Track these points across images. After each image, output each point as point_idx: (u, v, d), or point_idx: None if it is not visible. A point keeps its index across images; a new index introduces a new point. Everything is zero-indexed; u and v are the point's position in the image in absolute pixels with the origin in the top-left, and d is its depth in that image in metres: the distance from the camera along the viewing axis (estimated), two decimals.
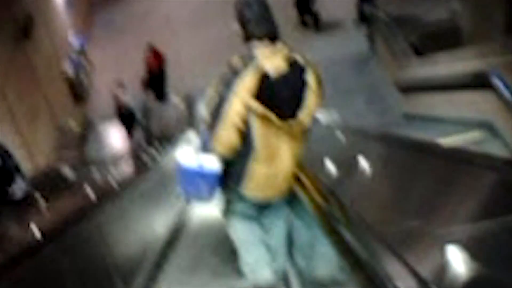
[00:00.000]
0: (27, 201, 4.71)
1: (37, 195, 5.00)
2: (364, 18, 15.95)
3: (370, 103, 13.36)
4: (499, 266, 1.28)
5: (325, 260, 3.18)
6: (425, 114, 10.06)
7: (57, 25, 17.10)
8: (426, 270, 1.41)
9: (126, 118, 14.22)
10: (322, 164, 3.77)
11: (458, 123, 8.16)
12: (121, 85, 14.32)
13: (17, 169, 4.87)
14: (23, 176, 4.91)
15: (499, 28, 10.10)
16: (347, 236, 2.00)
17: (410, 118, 10.99)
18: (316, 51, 15.48)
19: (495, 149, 6.83)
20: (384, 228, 1.88)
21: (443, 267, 1.40)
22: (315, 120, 3.50)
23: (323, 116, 7.09)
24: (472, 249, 1.42)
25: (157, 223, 6.04)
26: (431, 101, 9.86)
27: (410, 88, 11.17)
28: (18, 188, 4.72)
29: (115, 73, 16.25)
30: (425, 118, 9.91)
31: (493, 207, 1.61)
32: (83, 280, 3.41)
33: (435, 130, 8.62)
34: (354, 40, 15.96)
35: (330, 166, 3.50)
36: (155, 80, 15.58)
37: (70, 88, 16.29)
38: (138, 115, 14.57)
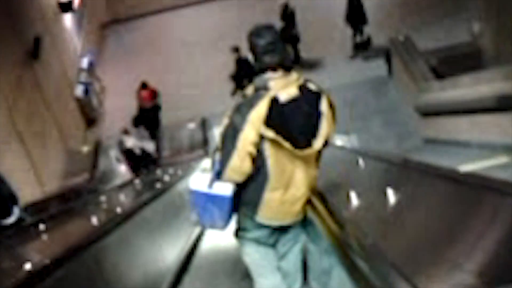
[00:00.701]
0: (19, 228, 4.55)
1: (31, 221, 4.80)
2: (359, 46, 16.39)
3: (389, 127, 13.21)
4: None
5: (340, 287, 3.21)
6: (447, 138, 9.89)
7: (66, 46, 17.11)
8: None
9: (136, 159, 14.14)
10: (339, 190, 3.71)
11: (483, 147, 7.97)
12: (126, 132, 14.08)
13: (11, 197, 4.74)
14: (16, 202, 4.80)
15: None
16: (362, 263, 1.96)
17: (431, 142, 10.82)
18: (334, 76, 15.56)
19: None
20: (401, 258, 1.81)
21: None
22: (334, 146, 3.37)
23: (343, 142, 6.99)
24: (493, 283, 1.38)
25: (168, 251, 5.89)
26: (454, 125, 9.69)
27: (430, 112, 11.02)
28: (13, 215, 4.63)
29: (127, 95, 16.20)
30: (447, 142, 9.73)
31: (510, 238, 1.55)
32: None
33: (458, 155, 8.44)
34: (372, 64, 15.84)
35: (348, 193, 3.40)
36: (149, 117, 15.13)
37: (81, 110, 16.27)
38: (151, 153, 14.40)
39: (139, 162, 13.70)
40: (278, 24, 15.26)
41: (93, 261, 3.57)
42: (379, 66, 15.25)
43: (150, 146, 14.22)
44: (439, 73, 12.08)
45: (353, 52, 16.65)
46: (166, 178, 8.50)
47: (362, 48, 16.57)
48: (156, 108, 15.25)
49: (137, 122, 14.93)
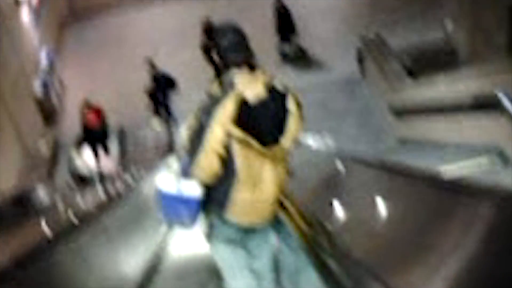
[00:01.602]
0: None
1: None
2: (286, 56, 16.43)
3: (362, 128, 13.09)
4: None
5: (311, 286, 3.19)
6: (423, 138, 9.74)
7: (24, 42, 16.62)
8: None
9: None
10: (312, 191, 3.75)
11: (461, 148, 7.82)
12: (78, 147, 13.64)
13: None
14: None
15: (501, 49, 9.87)
16: (332, 263, 2.00)
17: (405, 142, 10.68)
18: (303, 75, 15.39)
19: (506, 176, 6.46)
20: (372, 259, 1.88)
21: None
22: (308, 146, 3.72)
23: (315, 141, 6.78)
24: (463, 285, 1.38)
25: (135, 252, 5.63)
26: (430, 125, 9.54)
27: (405, 112, 10.87)
28: None
29: (88, 92, 15.79)
30: (423, 143, 9.58)
31: (488, 245, 1.56)
32: None
33: (435, 157, 8.28)
34: (342, 63, 15.70)
35: (321, 194, 3.51)
36: (96, 137, 14.18)
37: (39, 108, 15.77)
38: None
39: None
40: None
41: (43, 272, 3.25)
42: (352, 65, 15.07)
43: (107, 164, 13.63)
44: (413, 72, 11.97)
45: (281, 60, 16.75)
46: (129, 180, 8.14)
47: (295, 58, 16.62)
48: (104, 127, 14.36)
49: (87, 142, 14.10)
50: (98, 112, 14.19)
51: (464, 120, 8.04)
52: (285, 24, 16.35)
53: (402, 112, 11.09)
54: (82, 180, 12.80)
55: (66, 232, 3.82)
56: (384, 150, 10.81)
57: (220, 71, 3.53)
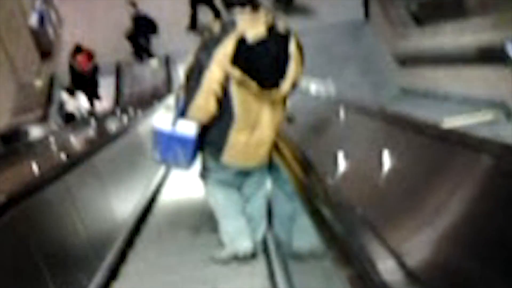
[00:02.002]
0: None
1: None
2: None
3: (364, 75, 12.85)
4: (482, 256, 1.25)
5: (304, 232, 3.10)
6: (427, 89, 9.57)
7: None
8: (405, 252, 1.40)
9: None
10: (311, 138, 3.61)
11: (466, 101, 7.67)
12: (70, 91, 13.28)
13: None
14: None
15: None
16: (326, 211, 1.93)
17: (408, 93, 10.51)
18: (306, 17, 14.96)
19: (509, 130, 6.33)
20: (366, 208, 1.82)
21: (424, 252, 1.41)
22: (310, 91, 3.92)
23: (318, 87, 6.63)
24: (458, 238, 1.40)
25: (128, 194, 5.56)
26: (434, 75, 9.36)
27: (409, 61, 10.64)
28: None
29: (86, 28, 15.51)
30: (426, 94, 9.42)
31: (486, 198, 1.55)
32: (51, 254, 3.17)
33: (438, 108, 8.14)
34: (347, 5, 15.26)
35: (320, 142, 3.40)
36: (87, 81, 13.75)
37: (35, 41, 15.43)
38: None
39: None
40: None
41: (32, 213, 3.15)
42: (356, 8, 14.66)
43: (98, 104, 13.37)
44: (420, 19, 11.63)
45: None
46: (125, 119, 8.05)
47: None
48: (94, 70, 13.94)
49: (75, 87, 13.68)
50: (88, 54, 13.84)
51: (469, 72, 7.86)
52: None
53: (406, 61, 10.86)
54: (72, 120, 12.51)
55: (57, 172, 3.70)
56: (386, 100, 10.62)
57: (219, 12, 3.54)
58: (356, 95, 10.82)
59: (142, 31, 14.67)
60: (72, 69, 13.74)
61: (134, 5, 14.57)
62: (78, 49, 13.82)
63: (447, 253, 1.37)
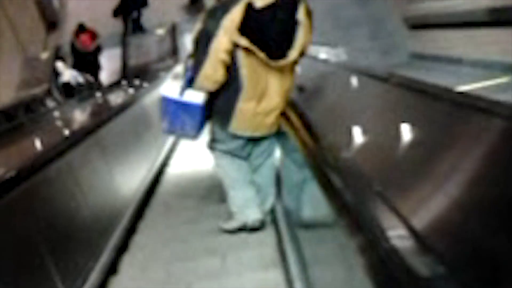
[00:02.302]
0: None
1: None
2: None
3: (373, 39, 12.62)
4: (495, 221, 1.23)
5: (313, 201, 3.09)
6: (438, 54, 9.38)
7: None
8: (416, 219, 1.38)
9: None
10: (320, 106, 3.54)
11: (478, 65, 7.49)
12: (62, 59, 12.93)
13: None
14: None
15: None
16: (335, 178, 1.90)
17: (419, 58, 10.31)
18: None
19: None
20: (376, 175, 1.82)
21: (435, 219, 1.41)
22: (319, 58, 3.81)
23: (329, 55, 6.53)
24: (469, 204, 1.38)
25: (134, 166, 5.49)
26: (446, 39, 9.16)
27: (420, 24, 10.43)
28: None
29: None
30: (437, 58, 9.23)
31: (498, 164, 1.53)
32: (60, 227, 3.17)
33: (451, 73, 7.97)
34: None
35: (330, 109, 3.34)
36: (90, 61, 13.46)
37: (40, 12, 15.27)
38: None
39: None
40: None
41: (38, 188, 3.08)
42: None
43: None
44: None
45: None
46: (130, 91, 7.93)
47: None
48: (97, 51, 13.67)
49: (76, 68, 13.17)
50: (91, 34, 13.60)
51: (483, 36, 7.66)
52: None
53: (416, 25, 10.63)
54: (69, 90, 12.28)
55: (61, 146, 3.60)
56: (396, 65, 10.43)
57: None
58: (365, 61, 10.66)
59: (132, 4, 14.49)
60: (73, 48, 13.50)
61: None
62: (81, 28, 13.55)
63: (459, 219, 1.36)
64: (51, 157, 3.29)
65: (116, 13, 14.73)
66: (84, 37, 13.45)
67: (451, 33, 8.84)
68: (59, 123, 5.40)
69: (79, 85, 12.04)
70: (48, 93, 11.70)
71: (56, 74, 12.37)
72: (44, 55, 13.95)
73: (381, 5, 13.40)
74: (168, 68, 11.09)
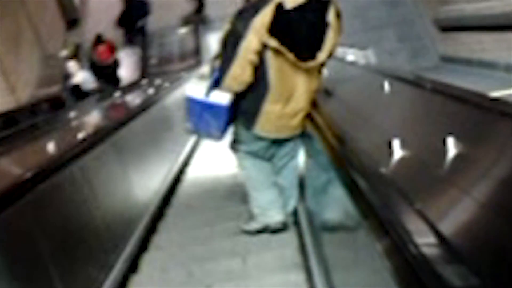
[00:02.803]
0: None
1: None
2: None
3: (403, 41, 12.49)
4: None
5: (337, 204, 3.13)
6: (470, 57, 9.22)
7: None
8: (442, 223, 1.39)
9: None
10: (349, 112, 3.44)
11: None
12: (75, 58, 12.84)
13: None
14: None
15: None
16: (361, 181, 1.91)
17: (449, 61, 10.16)
18: None
19: None
20: (403, 179, 1.82)
21: (461, 223, 1.43)
22: (348, 61, 3.84)
23: (358, 57, 6.43)
24: (498, 209, 1.38)
25: (150, 177, 5.42)
26: (478, 42, 9.00)
27: (451, 26, 10.28)
28: None
29: None
30: (469, 62, 9.07)
31: None
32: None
33: (483, 77, 7.81)
34: None
35: (360, 114, 3.27)
36: (107, 74, 13.28)
37: (61, 10, 15.33)
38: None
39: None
40: None
41: (57, 189, 3.10)
42: None
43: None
44: None
45: None
46: (151, 91, 7.91)
47: None
48: (115, 64, 13.48)
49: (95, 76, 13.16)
50: (109, 46, 13.40)
51: None
52: None
53: (448, 27, 10.48)
54: (78, 92, 12.15)
55: (80, 148, 3.61)
56: (427, 68, 10.29)
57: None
58: (393, 63, 10.54)
59: (135, 14, 14.44)
60: (91, 61, 13.37)
61: None
62: (99, 39, 13.36)
63: (485, 224, 1.36)
64: (62, 162, 3.26)
65: (121, 22, 14.69)
66: (101, 49, 13.22)
67: (484, 36, 8.69)
68: (72, 125, 5.37)
69: (89, 90, 11.84)
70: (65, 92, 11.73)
71: (67, 75, 12.29)
72: (64, 53, 13.99)
73: (410, 6, 13.27)
74: (190, 68, 11.06)
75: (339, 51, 7.67)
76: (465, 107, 2.38)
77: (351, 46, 7.69)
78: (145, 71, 13.49)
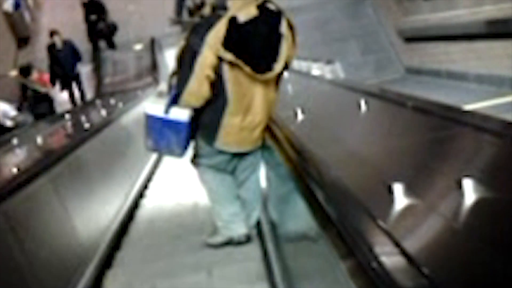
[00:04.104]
0: None
1: None
2: None
3: (367, 54, 12.28)
4: (483, 242, 1.27)
5: (298, 215, 3.13)
6: (437, 68, 8.89)
7: None
8: (399, 232, 1.42)
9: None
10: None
11: (488, 81, 6.99)
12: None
13: None
14: None
15: None
16: (320, 193, 1.92)
17: (417, 73, 9.87)
18: None
19: None
20: (362, 190, 1.81)
21: (422, 236, 1.45)
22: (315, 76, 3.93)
23: (323, 71, 6.11)
24: (455, 221, 1.42)
25: (114, 190, 5.21)
26: (446, 53, 8.68)
27: (417, 37, 9.97)
28: None
29: (66, 10, 14.99)
30: (439, 74, 8.74)
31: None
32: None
33: (455, 90, 7.47)
34: None
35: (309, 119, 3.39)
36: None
37: (10, 27, 14.75)
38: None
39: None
40: None
41: (11, 211, 3.04)
42: None
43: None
44: None
45: None
46: (103, 112, 7.37)
47: None
48: (48, 97, 11.92)
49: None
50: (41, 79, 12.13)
51: (489, 48, 7.17)
52: None
53: (412, 37, 10.22)
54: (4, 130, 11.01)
55: (37, 169, 3.57)
56: (392, 80, 9.97)
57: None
58: (359, 76, 10.21)
59: (101, 35, 14.19)
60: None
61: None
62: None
63: (441, 234, 1.40)
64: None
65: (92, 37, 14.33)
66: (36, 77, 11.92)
67: (452, 46, 8.41)
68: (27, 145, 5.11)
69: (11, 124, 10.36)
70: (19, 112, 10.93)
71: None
72: (14, 73, 13.34)
73: (373, 17, 13.09)
74: (146, 86, 10.59)
75: (303, 65, 7.29)
76: (423, 117, 2.49)
77: (315, 60, 7.34)
78: (99, 90, 12.98)
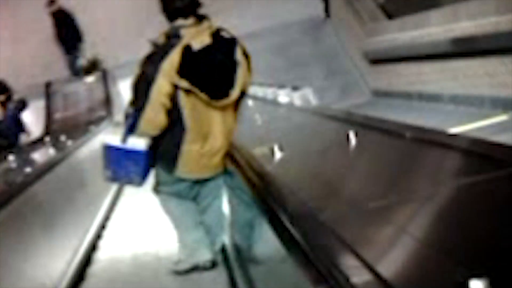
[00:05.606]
0: None
1: None
2: None
3: (330, 77, 12.11)
4: (455, 258, 1.30)
5: (263, 239, 3.21)
6: (410, 90, 8.48)
7: None
8: (367, 252, 1.44)
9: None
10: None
11: (466, 102, 6.57)
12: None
13: None
14: None
15: None
16: (284, 216, 1.93)
17: (385, 95, 9.49)
18: (259, 17, 13.89)
19: None
20: (329, 214, 1.86)
21: (386, 251, 1.50)
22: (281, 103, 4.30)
23: (292, 98, 5.73)
24: (422, 238, 1.48)
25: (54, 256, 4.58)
26: (417, 73, 8.30)
27: (383, 58, 9.63)
28: None
29: (11, 45, 14.41)
30: (410, 96, 8.33)
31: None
32: None
33: (430, 112, 7.05)
34: (303, 1, 14.29)
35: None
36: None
37: None
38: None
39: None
40: None
41: None
42: (314, 4, 13.88)
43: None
44: (390, 12, 10.59)
45: None
46: (51, 151, 6.94)
47: None
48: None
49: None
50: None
51: (467, 67, 6.77)
52: None
53: (378, 59, 9.87)
54: None
55: None
56: (358, 104, 9.55)
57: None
58: (323, 101, 9.77)
59: (62, 25, 13.68)
60: None
61: (52, 2, 13.51)
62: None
63: (409, 250, 1.43)
64: None
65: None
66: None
67: (424, 66, 8.08)
68: None
69: None
70: None
71: None
72: None
73: (334, 40, 12.74)
74: (99, 120, 10.02)
75: (268, 92, 6.81)
76: (393, 141, 2.58)
77: (281, 86, 6.88)
78: (48, 126, 12.36)
